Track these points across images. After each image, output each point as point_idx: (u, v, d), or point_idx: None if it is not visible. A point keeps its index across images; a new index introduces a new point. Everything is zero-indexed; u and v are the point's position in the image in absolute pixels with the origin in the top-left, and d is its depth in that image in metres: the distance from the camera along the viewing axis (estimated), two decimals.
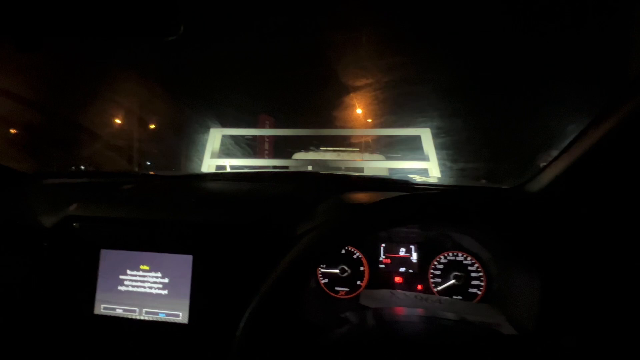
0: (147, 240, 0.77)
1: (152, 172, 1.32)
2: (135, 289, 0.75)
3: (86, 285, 0.76)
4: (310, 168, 3.03)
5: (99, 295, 0.76)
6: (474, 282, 0.84)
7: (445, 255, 0.87)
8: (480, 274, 0.84)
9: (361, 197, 0.84)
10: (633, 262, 0.54)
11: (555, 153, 0.67)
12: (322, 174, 1.30)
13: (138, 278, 0.76)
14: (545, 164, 0.71)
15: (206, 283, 0.73)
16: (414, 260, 0.88)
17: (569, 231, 0.55)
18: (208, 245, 0.75)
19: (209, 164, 2.51)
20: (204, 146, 2.66)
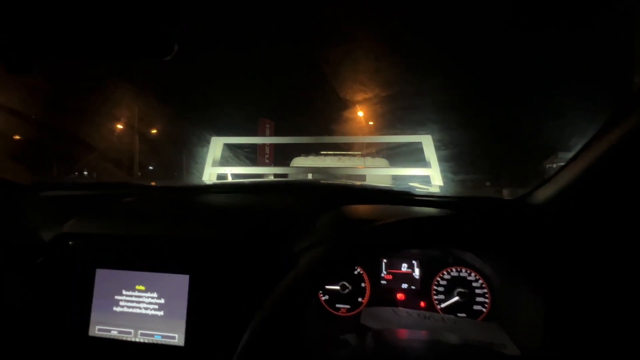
0: (144, 258, 0.76)
1: (153, 183, 1.31)
2: (130, 310, 0.74)
3: (81, 305, 0.75)
4: (310, 176, 3.01)
5: (93, 317, 0.74)
6: (478, 299, 0.82)
7: (449, 271, 0.84)
8: (485, 290, 0.82)
9: (363, 210, 0.82)
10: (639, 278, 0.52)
11: (562, 155, 0.65)
12: (322, 184, 1.27)
13: (134, 298, 0.74)
14: (551, 165, 0.70)
15: (203, 304, 0.71)
16: (417, 277, 0.86)
17: (572, 246, 0.53)
18: (205, 263, 0.73)
19: (210, 173, 2.50)
20: (204, 152, 2.65)
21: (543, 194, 0.69)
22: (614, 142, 0.53)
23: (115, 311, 0.74)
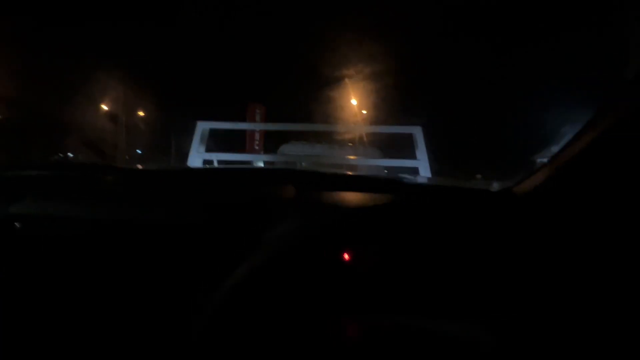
0: (95, 241, 0.72)
1: (139, 166, 1.26)
2: None
3: (25, 290, 0.70)
4: (303, 164, 2.97)
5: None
6: None
7: None
8: None
9: (338, 198, 0.80)
10: (628, 270, 0.51)
11: (555, 149, 0.65)
12: (308, 172, 1.25)
13: None
14: (542, 159, 0.69)
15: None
16: None
17: (555, 236, 0.53)
18: (160, 247, 0.70)
19: (195, 159, 2.43)
20: (192, 137, 2.57)
21: (528, 185, 0.67)
22: (599, 135, 0.52)
23: None
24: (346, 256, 0.77)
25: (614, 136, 0.50)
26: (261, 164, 3.00)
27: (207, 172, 1.15)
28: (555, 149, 0.67)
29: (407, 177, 1.18)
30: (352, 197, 0.77)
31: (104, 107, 11.82)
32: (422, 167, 2.16)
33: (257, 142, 6.92)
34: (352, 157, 3.62)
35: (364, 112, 11.02)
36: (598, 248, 0.52)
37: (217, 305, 0.49)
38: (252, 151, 6.36)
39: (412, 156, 2.29)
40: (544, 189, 0.62)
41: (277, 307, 0.52)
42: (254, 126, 5.63)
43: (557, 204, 0.60)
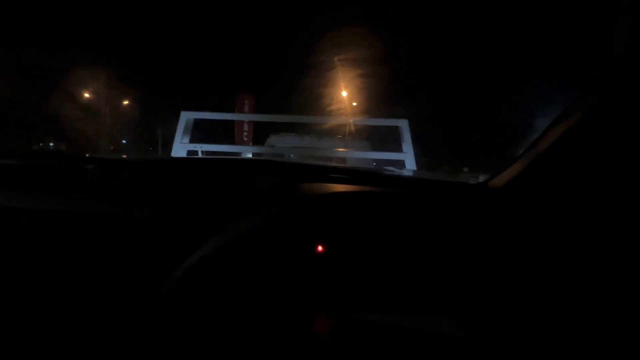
0: (61, 234, 0.70)
1: (124, 156, 1.22)
2: None
3: None
4: (291, 156, 2.95)
5: None
6: None
7: None
8: None
9: (325, 190, 0.79)
10: (604, 261, 0.52)
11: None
12: (287, 163, 1.23)
13: None
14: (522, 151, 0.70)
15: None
16: None
17: (528, 229, 0.53)
18: (134, 238, 0.68)
19: (178, 149, 2.38)
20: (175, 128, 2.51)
21: (504, 178, 0.68)
22: (570, 128, 0.52)
23: None
24: (320, 248, 0.77)
25: (585, 129, 0.51)
26: (249, 156, 2.96)
27: (184, 163, 1.13)
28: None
29: (388, 169, 1.18)
30: (329, 189, 0.76)
31: (88, 95, 11.44)
32: (408, 159, 2.17)
33: (245, 134, 6.82)
34: (340, 149, 3.61)
35: (354, 104, 10.98)
36: (573, 240, 0.52)
37: (175, 290, 0.48)
38: (241, 142, 6.26)
39: (400, 149, 2.30)
40: (520, 182, 0.63)
41: (240, 297, 0.51)
42: (239, 117, 5.52)
43: (532, 196, 0.61)
